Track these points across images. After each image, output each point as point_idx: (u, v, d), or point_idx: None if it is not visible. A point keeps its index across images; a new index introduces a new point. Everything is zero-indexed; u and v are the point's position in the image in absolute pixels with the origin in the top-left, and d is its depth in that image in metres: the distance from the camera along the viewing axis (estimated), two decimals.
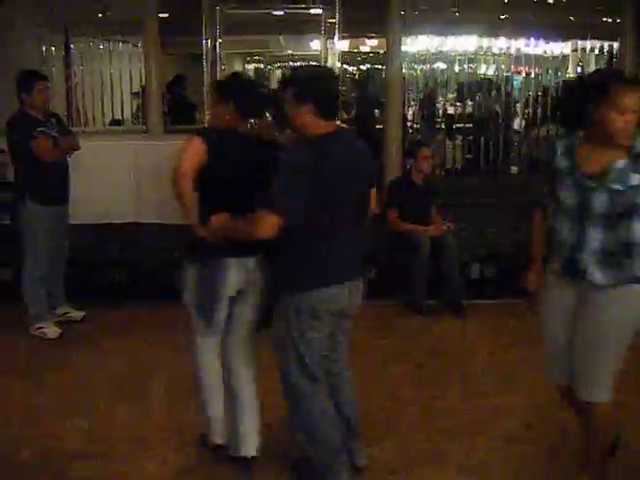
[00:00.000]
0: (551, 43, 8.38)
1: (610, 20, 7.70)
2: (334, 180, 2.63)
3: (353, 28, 8.16)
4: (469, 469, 3.12)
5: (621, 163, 2.55)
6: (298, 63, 12.41)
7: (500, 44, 8.49)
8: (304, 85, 2.68)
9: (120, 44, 7.32)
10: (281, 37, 10.84)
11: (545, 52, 8.40)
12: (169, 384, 3.92)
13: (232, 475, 3.06)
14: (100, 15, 7.20)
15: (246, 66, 13.00)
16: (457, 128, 8.34)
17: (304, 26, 7.59)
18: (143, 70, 6.90)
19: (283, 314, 2.75)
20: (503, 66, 8.44)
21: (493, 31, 8.36)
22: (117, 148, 6.43)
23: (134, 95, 7.53)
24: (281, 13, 7.46)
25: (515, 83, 8.62)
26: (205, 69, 6.84)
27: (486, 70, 9.43)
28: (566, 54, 8.70)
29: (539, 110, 7.96)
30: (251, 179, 2.96)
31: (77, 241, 5.21)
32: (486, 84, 8.64)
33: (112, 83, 7.17)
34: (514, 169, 8.12)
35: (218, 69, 6.84)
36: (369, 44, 11.26)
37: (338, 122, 2.76)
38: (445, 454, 3.23)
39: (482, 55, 8.88)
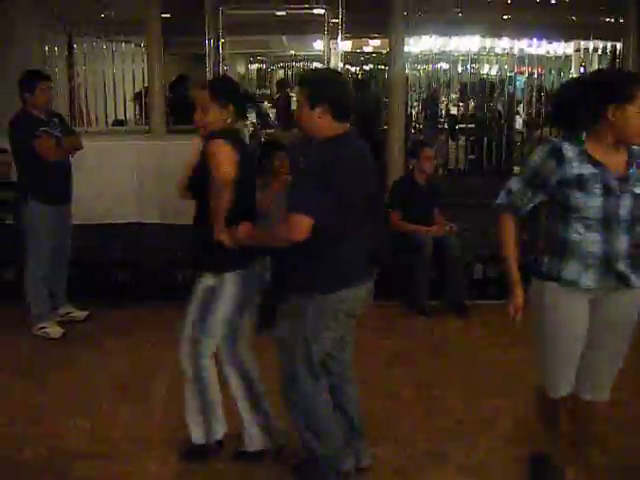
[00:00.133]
0: (554, 43, 8.40)
1: (613, 20, 7.69)
2: (349, 181, 2.63)
3: (356, 28, 8.14)
4: (469, 469, 3.12)
5: (632, 167, 2.53)
6: (301, 63, 12.49)
7: (503, 44, 8.49)
8: (320, 87, 2.67)
9: (123, 44, 7.31)
10: (284, 37, 10.87)
11: (548, 52, 8.41)
12: (172, 384, 3.90)
13: (233, 475, 3.06)
14: (103, 15, 7.20)
15: (249, 66, 13.04)
16: (460, 128, 8.35)
17: (307, 26, 7.61)
18: (146, 70, 6.92)
19: (294, 315, 2.74)
20: (506, 66, 8.44)
21: (496, 31, 8.35)
22: (120, 148, 6.44)
23: (136, 95, 7.52)
24: (284, 13, 7.48)
25: (518, 83, 8.61)
26: (208, 69, 6.85)
27: (489, 70, 9.44)
28: (569, 54, 8.71)
29: (542, 110, 7.96)
30: (254, 181, 2.98)
31: (80, 241, 5.20)
32: (489, 84, 8.65)
33: (115, 83, 7.18)
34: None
35: (221, 69, 6.84)
36: (372, 44, 11.26)
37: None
38: (446, 454, 3.23)
39: (485, 55, 8.89)
